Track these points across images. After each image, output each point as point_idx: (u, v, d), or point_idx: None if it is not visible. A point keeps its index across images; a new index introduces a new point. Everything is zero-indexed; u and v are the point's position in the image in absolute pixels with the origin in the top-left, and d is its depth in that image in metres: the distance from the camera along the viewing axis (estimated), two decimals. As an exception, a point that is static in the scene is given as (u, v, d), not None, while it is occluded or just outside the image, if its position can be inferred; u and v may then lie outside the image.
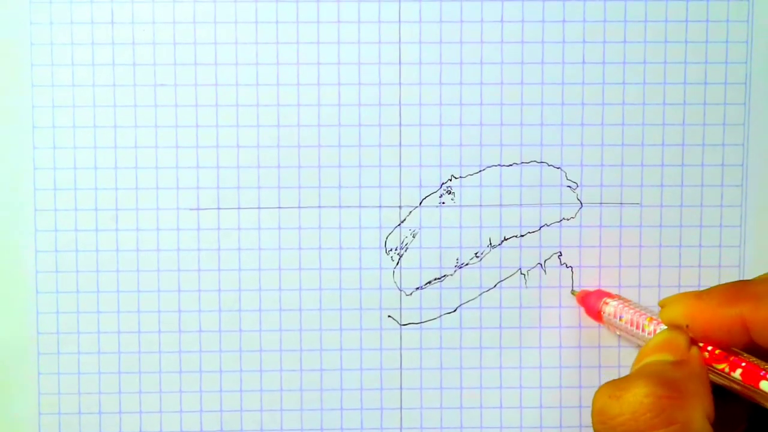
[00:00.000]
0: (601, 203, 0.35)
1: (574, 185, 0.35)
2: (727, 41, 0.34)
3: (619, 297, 0.33)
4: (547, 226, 0.35)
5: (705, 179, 0.35)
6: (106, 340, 0.35)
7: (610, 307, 0.33)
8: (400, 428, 0.36)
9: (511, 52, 0.34)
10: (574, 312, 0.35)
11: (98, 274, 0.35)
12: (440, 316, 0.35)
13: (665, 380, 0.25)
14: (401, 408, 0.36)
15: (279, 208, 0.35)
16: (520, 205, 0.35)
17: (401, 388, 0.36)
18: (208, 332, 0.35)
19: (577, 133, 0.35)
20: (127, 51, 0.34)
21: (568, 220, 0.35)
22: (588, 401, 0.35)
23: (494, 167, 0.35)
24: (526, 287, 0.35)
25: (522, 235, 0.35)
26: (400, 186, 0.35)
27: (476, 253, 0.35)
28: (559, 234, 0.35)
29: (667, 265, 0.35)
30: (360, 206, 0.35)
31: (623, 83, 0.35)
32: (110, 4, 0.34)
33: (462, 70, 0.35)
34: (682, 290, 0.30)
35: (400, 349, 0.35)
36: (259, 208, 0.35)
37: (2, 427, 0.35)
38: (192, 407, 0.35)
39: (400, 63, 0.34)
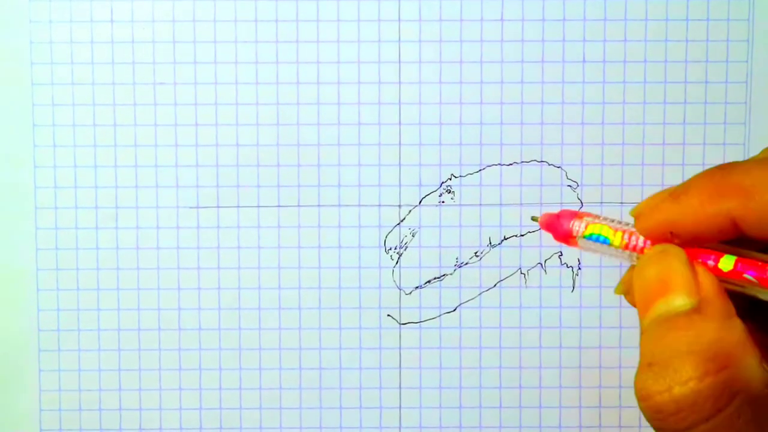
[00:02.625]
0: (601, 203, 0.35)
1: (574, 184, 0.35)
2: (727, 40, 0.34)
3: (587, 214, 0.31)
4: (547, 225, 0.35)
5: (706, 179, 0.35)
6: (106, 338, 0.35)
7: (581, 227, 0.31)
8: (399, 427, 0.36)
9: (511, 50, 0.34)
10: (574, 312, 0.35)
11: (98, 271, 0.35)
12: (440, 315, 0.35)
13: (705, 348, 0.21)
14: (400, 407, 0.36)
15: (278, 206, 0.35)
16: (521, 204, 0.35)
17: (400, 387, 0.35)
18: (208, 330, 0.35)
19: (578, 132, 0.35)
20: (127, 49, 0.34)
21: (568, 219, 0.35)
22: (587, 401, 0.35)
23: (494, 166, 0.35)
24: (526, 287, 0.35)
25: (522, 235, 0.35)
26: (400, 185, 0.35)
27: (476, 253, 0.35)
28: (559, 233, 0.35)
29: (667, 264, 0.35)
30: (359, 205, 0.35)
31: (624, 82, 0.35)
32: (110, 3, 0.34)
33: (462, 68, 0.34)
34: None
35: (400, 348, 0.35)
36: (258, 206, 0.35)
37: (4, 423, 0.35)
38: (191, 405, 0.35)
39: (399, 62, 0.34)
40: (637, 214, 0.25)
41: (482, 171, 0.35)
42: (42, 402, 0.35)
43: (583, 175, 0.35)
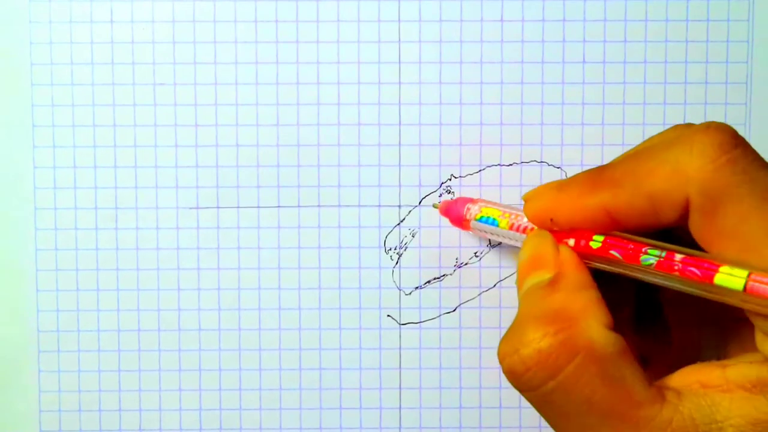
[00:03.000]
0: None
1: (574, 185, 0.35)
2: (727, 41, 0.34)
3: (481, 200, 0.32)
4: (547, 225, 0.35)
5: (706, 179, 0.35)
6: (105, 338, 0.35)
7: (474, 211, 0.32)
8: (399, 428, 0.36)
9: (511, 51, 0.34)
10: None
11: (98, 272, 0.35)
12: (439, 315, 0.35)
13: (550, 313, 0.24)
14: (400, 407, 0.36)
15: (278, 207, 0.35)
16: (520, 204, 0.35)
17: (400, 387, 0.36)
18: (208, 331, 0.35)
19: (578, 133, 0.35)
20: (127, 50, 0.34)
21: (567, 219, 0.35)
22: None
23: (494, 167, 0.35)
24: (526, 287, 0.35)
25: (522, 235, 0.35)
26: (400, 185, 0.35)
27: (475, 253, 0.35)
28: (558, 234, 0.35)
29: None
30: (359, 205, 0.35)
31: (624, 83, 0.35)
32: (109, 3, 0.34)
33: (462, 69, 0.34)
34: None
35: (400, 348, 0.35)
36: (258, 207, 0.35)
37: (3, 424, 0.35)
38: (191, 405, 0.35)
39: (399, 62, 0.34)
40: (525, 199, 0.27)
41: (482, 171, 0.35)
42: (42, 403, 0.35)
43: (582, 175, 0.35)
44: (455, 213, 0.33)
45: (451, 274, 0.35)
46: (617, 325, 0.24)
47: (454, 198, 0.34)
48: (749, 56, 0.34)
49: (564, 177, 0.35)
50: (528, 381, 0.23)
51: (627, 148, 0.34)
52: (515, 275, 0.28)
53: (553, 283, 0.25)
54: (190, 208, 0.35)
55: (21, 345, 0.35)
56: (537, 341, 0.23)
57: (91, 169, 0.35)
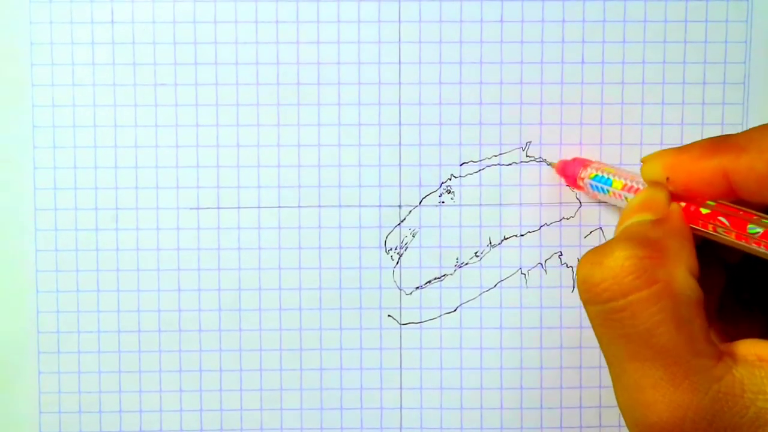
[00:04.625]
0: (600, 202, 0.35)
1: (573, 185, 0.35)
2: (726, 41, 0.35)
3: (598, 162, 0.33)
4: (547, 225, 0.35)
5: (704, 179, 0.35)
6: (106, 339, 0.35)
7: (590, 170, 0.33)
8: (400, 428, 0.36)
9: (510, 51, 0.35)
10: (575, 312, 0.35)
11: (98, 273, 0.35)
12: (440, 315, 0.35)
13: (644, 240, 0.25)
14: (401, 408, 0.36)
15: (279, 207, 0.35)
16: (520, 204, 0.35)
17: (401, 387, 0.36)
18: (208, 331, 0.35)
19: (576, 133, 0.35)
20: (128, 50, 0.34)
21: (567, 219, 0.35)
22: (588, 402, 0.35)
23: (494, 167, 0.35)
24: (527, 287, 0.35)
25: (522, 235, 0.35)
26: (400, 185, 0.35)
27: (476, 253, 0.35)
28: (559, 233, 0.35)
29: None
30: (360, 205, 0.35)
31: (622, 83, 0.35)
32: (110, 4, 0.34)
33: (461, 69, 0.35)
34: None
35: (400, 348, 0.35)
36: (259, 207, 0.35)
37: (3, 425, 0.35)
38: (192, 406, 0.35)
39: (399, 62, 0.35)
40: (644, 160, 0.28)
41: (482, 171, 0.35)
42: (42, 404, 0.35)
43: (582, 175, 0.35)
44: (571, 172, 0.33)
45: (451, 274, 0.35)
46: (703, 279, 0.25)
47: (571, 158, 0.34)
48: (747, 57, 0.35)
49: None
50: (601, 292, 0.24)
51: (626, 148, 0.35)
52: (618, 219, 0.28)
53: (656, 222, 0.26)
54: (191, 209, 0.35)
55: (21, 346, 0.35)
56: (623, 258, 0.24)
57: (91, 170, 0.35)
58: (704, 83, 0.35)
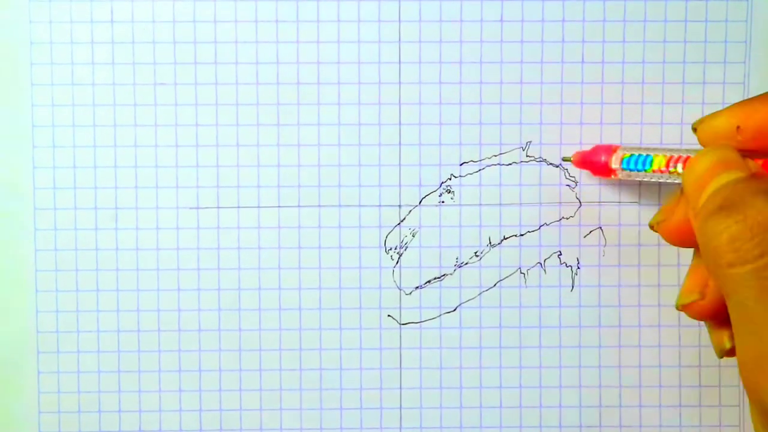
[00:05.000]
0: (600, 202, 0.35)
1: (573, 184, 0.35)
2: (725, 41, 0.35)
3: (619, 146, 0.32)
4: (547, 225, 0.35)
5: (704, 178, 0.35)
6: (105, 339, 0.35)
7: (620, 154, 0.31)
8: (400, 428, 0.36)
9: (510, 51, 0.35)
10: (574, 311, 0.35)
11: (98, 272, 0.35)
12: (440, 315, 0.35)
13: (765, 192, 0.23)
14: (401, 407, 0.36)
15: (279, 207, 0.35)
16: (520, 204, 0.35)
17: (401, 387, 0.36)
18: (208, 331, 0.35)
19: (576, 132, 0.35)
20: (127, 50, 0.34)
21: (567, 219, 0.35)
22: (588, 401, 0.35)
23: (494, 166, 0.35)
24: (526, 286, 0.35)
25: (521, 234, 0.35)
26: (400, 185, 0.35)
27: (476, 253, 0.35)
28: (558, 233, 0.35)
29: (666, 264, 0.35)
30: (360, 205, 0.35)
31: (622, 83, 0.35)
32: (110, 3, 0.34)
33: (461, 69, 0.35)
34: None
35: (400, 348, 0.35)
36: (258, 207, 0.35)
37: (2, 425, 0.35)
38: (191, 406, 0.35)
39: (399, 62, 0.35)
40: (697, 124, 0.26)
41: (482, 171, 0.35)
42: (41, 404, 0.35)
43: (581, 174, 0.35)
44: (597, 161, 0.32)
45: (451, 274, 0.35)
46: None
47: (589, 149, 0.33)
48: (747, 57, 0.35)
49: (563, 176, 0.35)
50: (750, 249, 0.22)
51: (625, 148, 0.35)
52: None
53: (757, 176, 0.24)
54: (191, 208, 0.35)
55: (20, 346, 0.35)
56: (765, 217, 0.22)
57: (91, 169, 0.35)
58: (704, 83, 0.35)
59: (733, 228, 0.23)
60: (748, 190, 0.23)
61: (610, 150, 0.32)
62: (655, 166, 0.29)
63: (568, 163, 0.34)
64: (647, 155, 0.30)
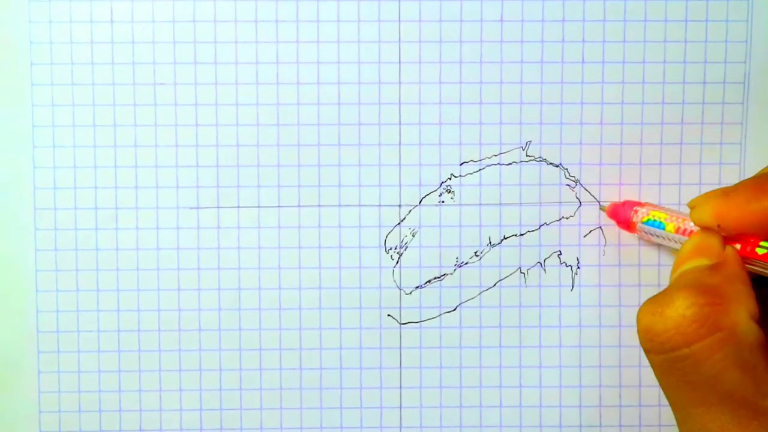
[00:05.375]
0: (600, 202, 0.35)
1: (573, 184, 0.35)
2: (726, 41, 0.35)
3: (648, 204, 0.34)
4: (547, 224, 0.35)
5: (703, 178, 0.35)
6: (105, 339, 0.35)
7: (642, 213, 0.33)
8: (400, 427, 0.36)
9: (510, 51, 0.35)
10: (574, 311, 0.35)
11: (98, 272, 0.35)
12: (440, 315, 0.35)
13: (704, 287, 0.25)
14: (401, 407, 0.36)
15: (279, 206, 0.35)
16: (520, 203, 0.35)
17: (401, 387, 0.36)
18: (208, 331, 0.35)
19: (576, 132, 0.35)
20: (127, 50, 0.34)
21: (567, 218, 0.35)
22: (587, 400, 0.35)
23: (494, 166, 0.35)
24: (526, 286, 0.35)
25: (521, 234, 0.35)
26: (400, 185, 0.35)
27: (476, 252, 0.35)
28: (558, 233, 0.35)
29: (666, 264, 0.35)
30: (360, 205, 0.35)
31: (622, 82, 0.35)
32: (110, 3, 0.34)
33: (461, 69, 0.35)
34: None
35: (400, 348, 0.35)
36: (258, 206, 0.35)
37: (3, 424, 0.35)
38: (192, 406, 0.35)
39: (399, 62, 0.35)
40: (692, 205, 0.28)
41: (482, 171, 0.35)
42: (41, 404, 0.35)
43: (581, 174, 0.35)
44: (623, 215, 0.34)
45: (451, 274, 0.35)
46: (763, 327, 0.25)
47: (621, 201, 0.35)
48: (747, 56, 0.35)
49: (563, 176, 0.35)
50: (663, 342, 0.24)
51: (625, 147, 0.35)
52: (674, 263, 0.29)
53: (713, 267, 0.26)
54: (191, 208, 0.35)
55: (20, 345, 0.35)
56: (684, 308, 0.24)
57: (91, 169, 0.35)
58: (704, 83, 0.35)
59: (648, 318, 0.25)
60: (681, 283, 0.26)
61: (635, 206, 0.34)
62: (666, 233, 0.32)
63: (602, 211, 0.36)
64: (661, 222, 0.32)
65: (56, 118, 0.34)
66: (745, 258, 0.27)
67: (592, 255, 0.35)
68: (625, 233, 0.35)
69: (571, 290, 0.35)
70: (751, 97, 0.35)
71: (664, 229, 0.32)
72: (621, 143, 0.35)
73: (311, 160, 0.35)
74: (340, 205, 0.35)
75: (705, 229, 0.28)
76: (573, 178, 0.35)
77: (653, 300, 0.25)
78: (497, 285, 0.35)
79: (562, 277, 0.35)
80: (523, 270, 0.35)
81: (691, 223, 0.30)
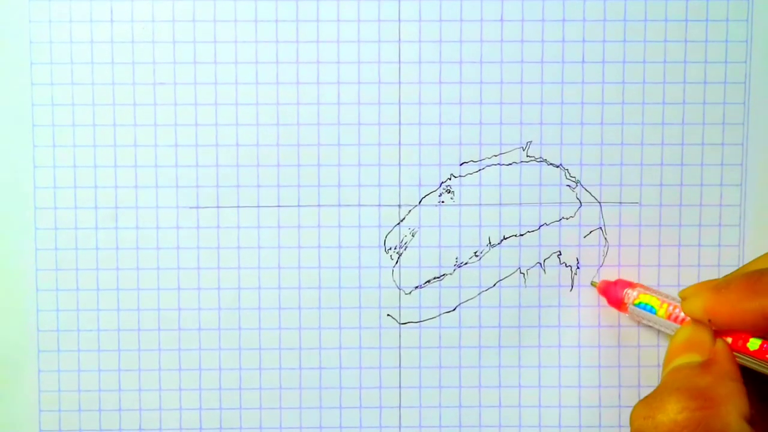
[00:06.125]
0: (600, 202, 0.35)
1: (573, 184, 0.35)
2: (726, 41, 0.34)
3: (640, 285, 0.34)
4: (547, 225, 0.35)
5: (704, 178, 0.35)
6: (105, 338, 0.35)
7: (633, 296, 0.33)
8: (399, 427, 0.36)
9: (510, 50, 0.34)
10: (573, 311, 0.35)
11: (98, 272, 0.35)
12: (439, 315, 0.35)
13: (695, 391, 0.25)
14: (400, 407, 0.36)
15: (278, 206, 0.35)
16: (520, 204, 0.35)
17: (400, 386, 0.36)
18: (208, 330, 0.35)
19: (577, 132, 0.35)
20: (127, 49, 0.34)
21: (567, 219, 0.35)
22: (586, 400, 0.35)
23: (494, 166, 0.35)
24: (526, 286, 0.35)
25: (521, 234, 0.35)
26: (400, 185, 0.35)
27: (475, 252, 0.35)
28: (558, 233, 0.35)
29: (666, 264, 0.35)
30: (359, 205, 0.35)
31: (623, 82, 0.35)
32: (109, 3, 0.34)
33: (461, 68, 0.34)
34: (681, 289, 0.30)
35: (399, 347, 0.35)
36: (258, 206, 0.35)
37: (3, 424, 0.35)
38: (191, 405, 0.35)
39: (399, 62, 0.34)
40: (683, 297, 0.29)
41: (482, 171, 0.35)
42: (41, 403, 0.35)
43: (582, 174, 0.35)
44: (614, 295, 0.34)
45: (450, 274, 0.35)
46: (760, 415, 0.25)
47: (614, 280, 0.35)
48: (748, 56, 0.35)
49: (563, 176, 0.35)
50: None
51: (626, 148, 0.35)
52: (665, 355, 0.29)
53: (704, 366, 0.26)
54: (190, 208, 0.35)
55: (21, 345, 0.35)
56: (675, 412, 0.24)
57: (91, 169, 0.35)
58: (705, 82, 0.35)
59: (640, 422, 0.25)
60: (673, 384, 0.26)
61: (627, 287, 0.34)
62: (657, 317, 0.32)
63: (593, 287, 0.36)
64: (652, 306, 0.33)
65: (56, 117, 0.34)
66: (736, 350, 0.27)
67: (591, 255, 0.35)
68: (625, 230, 0.35)
69: (571, 290, 0.35)
70: (753, 97, 0.35)
71: (655, 314, 0.32)
72: (622, 143, 0.35)
73: (311, 159, 0.35)
74: (339, 205, 0.35)
75: (696, 321, 0.28)
76: (573, 179, 0.35)
77: (645, 402, 0.25)
78: (497, 285, 0.35)
79: (562, 277, 0.35)
80: (523, 270, 0.35)
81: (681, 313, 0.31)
